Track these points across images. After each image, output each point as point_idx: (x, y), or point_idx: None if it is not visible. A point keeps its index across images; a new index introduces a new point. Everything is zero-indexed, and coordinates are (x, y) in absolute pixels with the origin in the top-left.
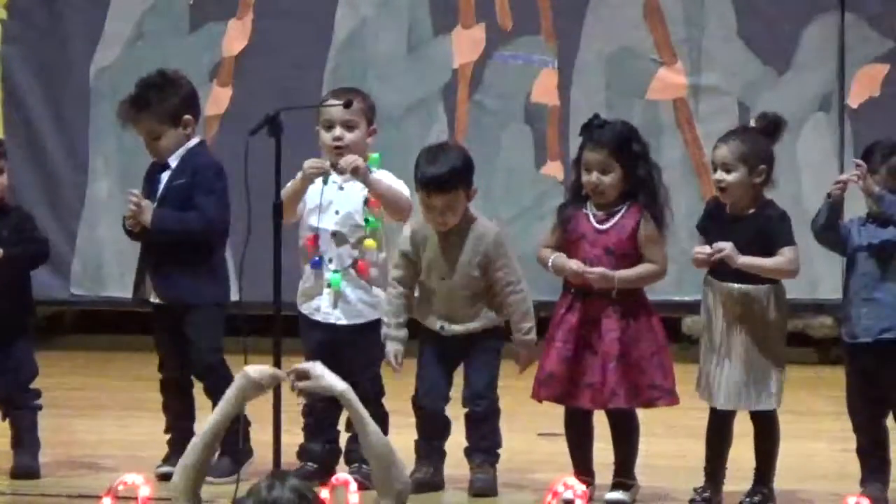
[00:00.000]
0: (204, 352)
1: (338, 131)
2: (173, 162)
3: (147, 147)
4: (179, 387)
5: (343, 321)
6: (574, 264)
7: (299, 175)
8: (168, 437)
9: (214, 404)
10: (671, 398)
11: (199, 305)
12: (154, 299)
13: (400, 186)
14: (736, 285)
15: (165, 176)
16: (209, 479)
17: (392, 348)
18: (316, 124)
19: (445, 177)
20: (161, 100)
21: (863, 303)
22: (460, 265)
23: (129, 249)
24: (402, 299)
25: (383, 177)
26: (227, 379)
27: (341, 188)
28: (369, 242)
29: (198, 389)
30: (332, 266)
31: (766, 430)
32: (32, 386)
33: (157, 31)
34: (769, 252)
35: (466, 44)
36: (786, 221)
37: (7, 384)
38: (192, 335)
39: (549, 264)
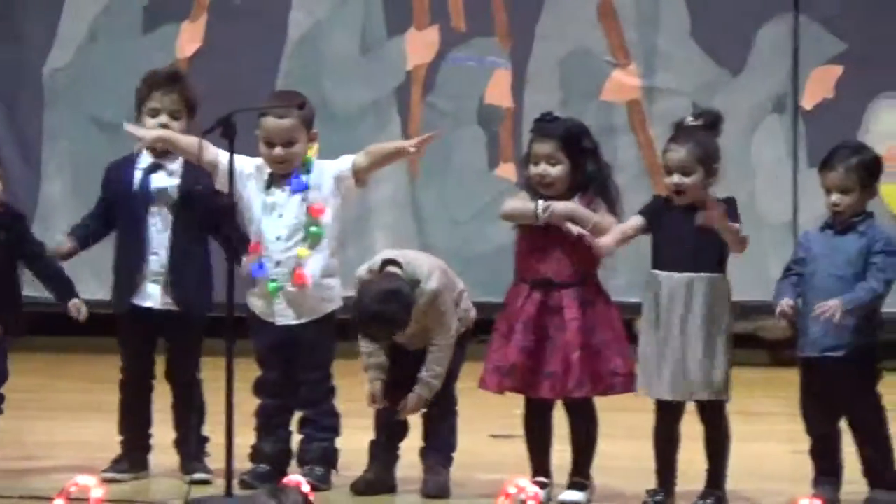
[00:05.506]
0: None
1: (279, 150)
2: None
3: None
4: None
5: (302, 320)
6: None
7: None
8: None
9: None
10: (628, 384)
11: None
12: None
13: (340, 162)
14: (678, 274)
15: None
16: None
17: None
18: None
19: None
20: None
21: (814, 318)
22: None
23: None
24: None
25: (325, 165)
26: None
27: (283, 191)
28: (302, 251)
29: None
30: (277, 270)
31: (715, 428)
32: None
33: (111, 33)
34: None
35: (420, 45)
36: (733, 205)
37: None
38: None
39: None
